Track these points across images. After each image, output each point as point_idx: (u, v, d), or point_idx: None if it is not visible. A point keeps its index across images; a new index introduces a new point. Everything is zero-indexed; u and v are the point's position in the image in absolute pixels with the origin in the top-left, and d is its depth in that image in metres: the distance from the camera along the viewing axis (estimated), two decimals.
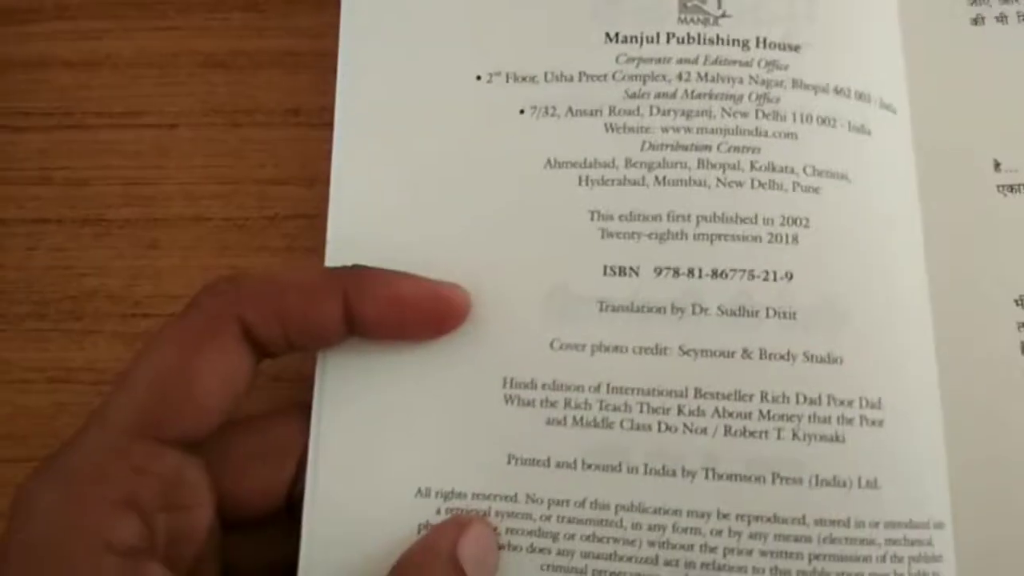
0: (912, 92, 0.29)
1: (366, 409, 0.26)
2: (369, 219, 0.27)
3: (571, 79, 0.27)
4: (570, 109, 0.27)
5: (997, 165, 0.29)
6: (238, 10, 0.34)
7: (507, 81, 0.27)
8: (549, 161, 0.27)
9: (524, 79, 0.27)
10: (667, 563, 0.24)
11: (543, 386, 0.25)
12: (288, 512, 0.25)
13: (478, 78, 0.27)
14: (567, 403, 0.25)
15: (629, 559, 0.24)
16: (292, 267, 0.31)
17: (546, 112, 0.27)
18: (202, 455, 0.24)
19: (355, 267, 0.25)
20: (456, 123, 0.27)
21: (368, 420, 0.26)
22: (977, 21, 0.31)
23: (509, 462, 0.25)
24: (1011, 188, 0.29)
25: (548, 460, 0.25)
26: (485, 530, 0.25)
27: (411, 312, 0.25)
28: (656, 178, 0.26)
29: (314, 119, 0.32)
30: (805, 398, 0.25)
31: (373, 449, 0.25)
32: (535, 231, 0.26)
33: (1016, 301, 0.28)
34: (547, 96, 0.27)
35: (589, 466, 0.25)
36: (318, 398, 0.26)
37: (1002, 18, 0.31)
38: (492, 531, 0.25)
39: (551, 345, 0.26)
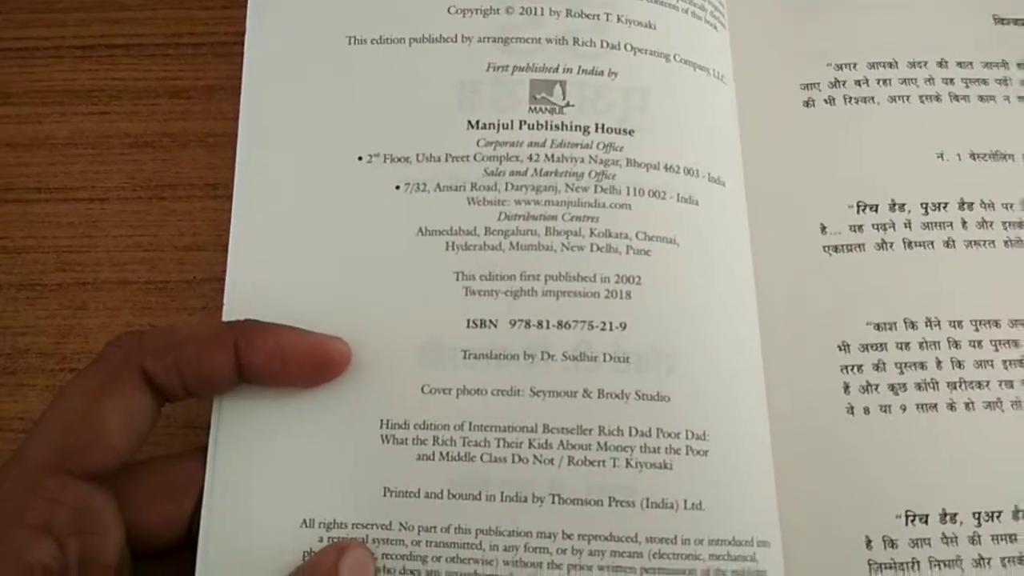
0: (748, 166, 0.33)
1: (256, 449, 0.28)
2: (263, 279, 0.30)
3: (439, 159, 0.31)
4: (438, 185, 0.30)
5: (823, 229, 0.34)
6: (165, 97, 0.38)
7: (384, 161, 0.31)
8: (420, 229, 0.30)
9: (399, 160, 0.31)
10: None
11: (415, 426, 0.29)
12: (190, 544, 0.28)
13: (359, 159, 0.31)
14: (435, 440, 0.29)
15: None
16: (190, 323, 0.34)
17: (418, 188, 0.31)
18: (110, 488, 0.26)
19: (246, 321, 0.28)
20: (340, 197, 0.31)
21: (258, 459, 0.28)
22: (808, 103, 0.35)
23: (385, 495, 0.28)
24: (835, 248, 0.33)
25: (418, 492, 0.28)
26: (363, 553, 0.27)
27: (293, 362, 0.28)
28: (511, 243, 0.30)
29: (231, 192, 0.35)
30: (637, 431, 0.28)
31: (262, 485, 0.28)
32: (409, 290, 0.30)
33: (839, 347, 0.32)
34: (418, 174, 0.31)
35: (454, 496, 0.28)
36: (213, 439, 0.29)
37: (830, 100, 0.35)
38: (369, 554, 0.28)
39: (422, 390, 0.29)
